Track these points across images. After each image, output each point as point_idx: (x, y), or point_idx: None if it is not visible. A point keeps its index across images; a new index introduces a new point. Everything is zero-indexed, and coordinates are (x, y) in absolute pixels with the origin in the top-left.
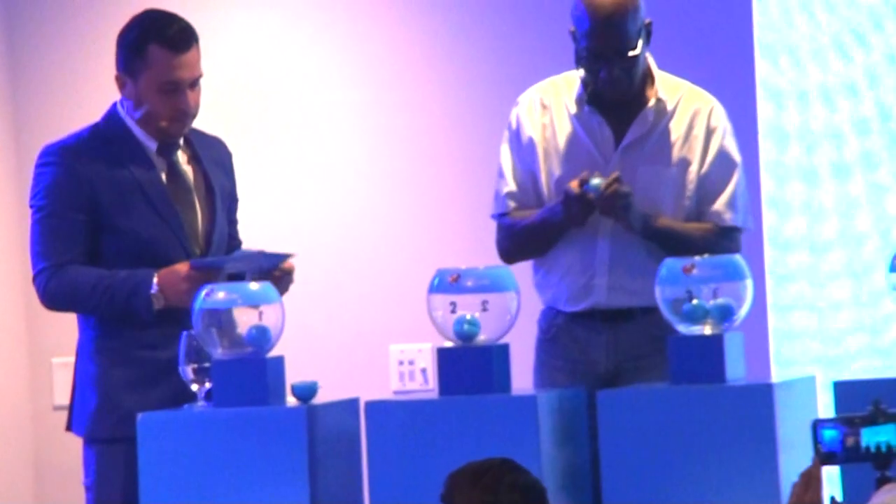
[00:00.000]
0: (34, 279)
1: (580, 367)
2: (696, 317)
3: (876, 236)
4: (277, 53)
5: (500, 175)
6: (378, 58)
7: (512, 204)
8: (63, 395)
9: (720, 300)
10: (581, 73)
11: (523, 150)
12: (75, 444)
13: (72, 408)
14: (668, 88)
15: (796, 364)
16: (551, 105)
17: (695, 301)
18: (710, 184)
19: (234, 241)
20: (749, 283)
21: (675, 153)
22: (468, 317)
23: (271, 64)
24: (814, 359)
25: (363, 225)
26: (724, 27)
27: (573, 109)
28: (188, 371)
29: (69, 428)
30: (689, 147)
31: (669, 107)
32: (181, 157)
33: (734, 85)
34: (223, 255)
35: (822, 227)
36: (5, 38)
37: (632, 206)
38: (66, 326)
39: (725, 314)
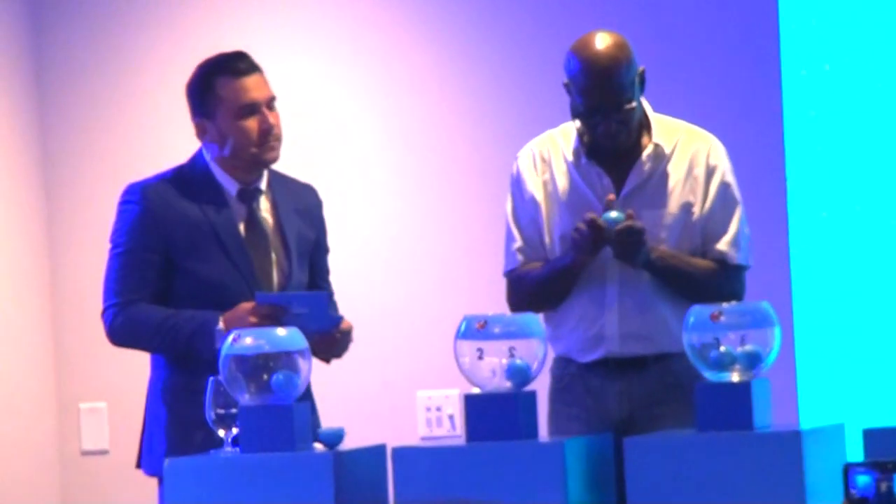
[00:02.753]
0: (102, 314)
1: (594, 415)
2: (723, 364)
3: None
4: (306, 107)
5: (508, 232)
6: (411, 106)
7: (521, 258)
8: (90, 441)
9: (748, 347)
10: (577, 123)
11: (526, 205)
12: (103, 488)
13: (141, 446)
14: (665, 132)
15: (825, 411)
16: (550, 160)
17: (722, 348)
18: (714, 223)
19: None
20: (777, 330)
21: (677, 196)
22: (518, 362)
23: (300, 118)
24: (843, 406)
25: (391, 271)
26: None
27: (571, 161)
28: (214, 416)
29: (139, 465)
30: (690, 189)
31: (667, 150)
32: (263, 203)
33: (760, 117)
34: (289, 293)
35: (852, 271)
36: (36, 98)
37: (644, 245)
38: (93, 372)
39: (753, 361)
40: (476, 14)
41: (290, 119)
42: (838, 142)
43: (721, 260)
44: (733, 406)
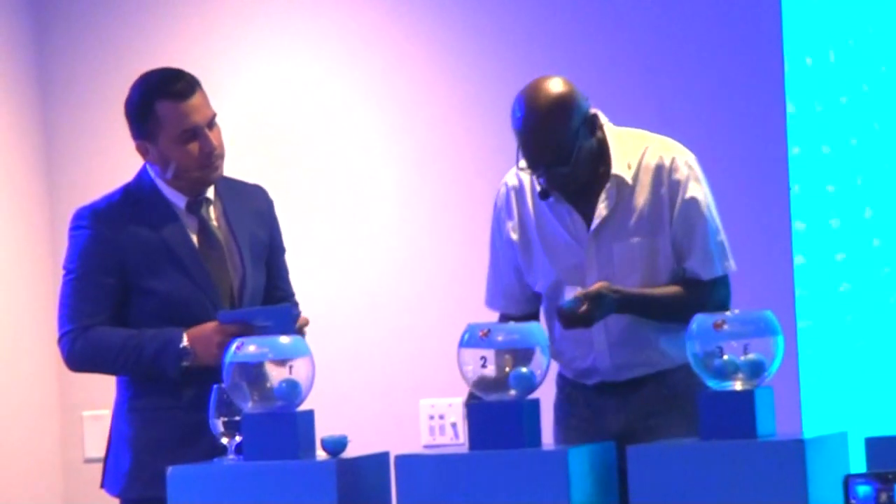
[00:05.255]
0: (59, 341)
1: (594, 426)
2: (726, 373)
3: None
4: (312, 113)
5: (490, 268)
6: (418, 112)
7: (501, 306)
8: (93, 448)
9: (751, 356)
10: None
11: (505, 247)
12: (105, 496)
13: (105, 466)
14: (625, 155)
15: (828, 420)
16: (527, 192)
17: (725, 357)
18: (680, 240)
19: (279, 293)
20: (780, 339)
21: (644, 222)
22: (524, 370)
23: (287, 113)
24: (846, 415)
25: (394, 279)
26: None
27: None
28: (218, 425)
29: (103, 486)
30: (657, 211)
31: (629, 178)
32: (212, 212)
33: (763, 120)
34: (251, 308)
35: (855, 278)
36: (39, 100)
37: (591, 316)
38: (96, 380)
39: (756, 370)
40: (481, 19)
41: (294, 123)
42: (843, 149)
43: (695, 277)
44: (736, 414)
